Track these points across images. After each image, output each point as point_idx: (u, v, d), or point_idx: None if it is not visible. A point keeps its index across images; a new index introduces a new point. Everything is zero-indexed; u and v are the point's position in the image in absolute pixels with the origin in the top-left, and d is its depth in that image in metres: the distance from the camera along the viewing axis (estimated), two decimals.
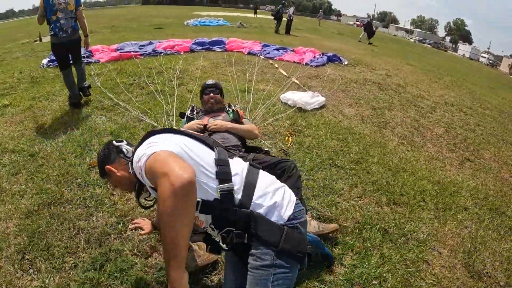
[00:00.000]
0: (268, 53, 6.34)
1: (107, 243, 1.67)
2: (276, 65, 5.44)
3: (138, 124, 2.99)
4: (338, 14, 77.25)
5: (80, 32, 3.37)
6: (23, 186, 2.22)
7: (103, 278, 1.46)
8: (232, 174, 0.95)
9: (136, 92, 3.88)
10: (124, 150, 1.10)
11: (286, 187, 1.07)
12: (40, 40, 9.31)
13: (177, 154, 0.85)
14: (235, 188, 0.93)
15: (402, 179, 2.46)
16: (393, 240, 1.91)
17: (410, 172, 2.58)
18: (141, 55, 5.63)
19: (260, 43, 7.18)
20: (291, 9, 12.65)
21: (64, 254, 1.62)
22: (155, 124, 2.96)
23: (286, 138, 2.81)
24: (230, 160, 1.01)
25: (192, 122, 2.00)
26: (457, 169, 2.90)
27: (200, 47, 6.43)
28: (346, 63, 6.34)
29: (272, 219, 0.93)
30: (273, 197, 0.97)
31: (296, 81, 4.51)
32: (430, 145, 3.26)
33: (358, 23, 49.45)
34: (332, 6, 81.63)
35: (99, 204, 1.97)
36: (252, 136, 2.11)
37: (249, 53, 6.24)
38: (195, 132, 1.10)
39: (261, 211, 0.93)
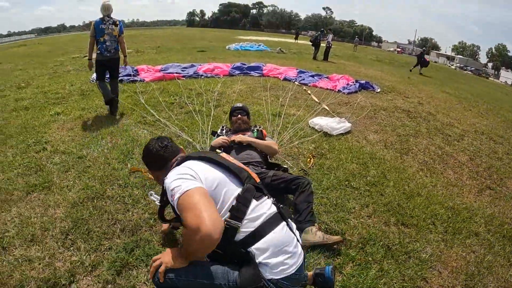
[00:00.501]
0: (303, 79, 6.63)
1: (139, 234, 1.96)
2: (309, 91, 5.70)
3: (176, 139, 3.33)
4: (379, 40, 78.04)
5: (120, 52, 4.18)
6: (71, 182, 2.63)
7: (131, 259, 1.74)
8: (254, 215, 1.06)
9: (176, 110, 4.33)
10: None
11: (294, 256, 1.10)
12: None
13: (207, 194, 1.01)
14: (241, 229, 1.04)
15: (414, 202, 2.52)
16: (394, 256, 1.99)
17: (424, 197, 2.62)
18: (183, 76, 6.12)
19: (296, 69, 7.47)
20: (330, 36, 13.01)
21: (101, 238, 1.95)
22: (191, 140, 3.30)
23: (308, 159, 2.98)
24: (256, 201, 1.10)
25: (219, 138, 2.39)
26: (475, 196, 2.87)
27: (239, 72, 6.84)
28: (378, 90, 6.47)
29: (260, 269, 1.04)
30: (271, 257, 1.04)
31: (326, 107, 4.73)
32: (450, 172, 3.28)
33: (399, 49, 49.80)
34: (373, 33, 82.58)
35: (135, 202, 2.28)
36: (272, 151, 2.42)
37: (284, 79, 6.54)
38: (230, 161, 1.22)
39: (256, 258, 1.05)
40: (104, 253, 1.80)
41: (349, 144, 3.51)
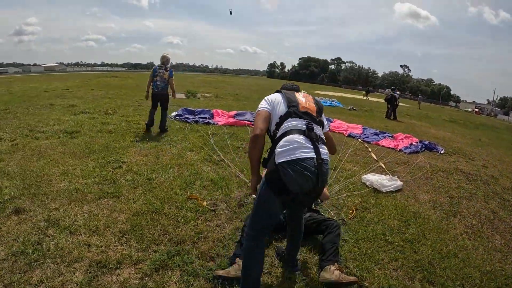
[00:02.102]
0: (367, 136, 7.82)
1: (182, 245, 2.62)
2: (370, 149, 6.70)
3: (234, 179, 4.19)
4: (457, 100, 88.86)
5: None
6: (137, 196, 3.43)
7: (170, 263, 2.38)
8: (286, 125, 1.98)
9: (241, 154, 5.42)
10: None
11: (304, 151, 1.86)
12: (174, 96, 13.29)
13: (266, 113, 2.06)
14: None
15: (448, 263, 2.75)
16: None
17: (460, 259, 2.85)
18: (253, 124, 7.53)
19: (362, 126, 8.87)
20: (397, 94, 14.95)
21: (151, 242, 2.56)
22: (247, 181, 4.10)
23: (351, 211, 3.53)
24: (292, 119, 2.01)
25: None
26: None
27: None
28: (442, 151, 7.37)
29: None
30: (283, 147, 1.88)
31: (383, 165, 5.53)
32: (498, 237, 3.48)
33: (476, 110, 55.64)
34: (451, 92, 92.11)
35: (186, 222, 2.97)
36: (324, 196, 3.03)
37: (349, 135, 7.82)
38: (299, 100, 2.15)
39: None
40: (150, 254, 2.45)
41: (396, 201, 4.03)
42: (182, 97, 14.68)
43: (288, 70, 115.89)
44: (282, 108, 2.04)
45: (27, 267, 2.22)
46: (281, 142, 1.88)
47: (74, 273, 2.18)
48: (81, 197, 3.36)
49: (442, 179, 5.31)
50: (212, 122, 7.48)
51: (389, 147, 7.06)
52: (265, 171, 2.00)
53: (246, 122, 7.63)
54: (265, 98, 2.15)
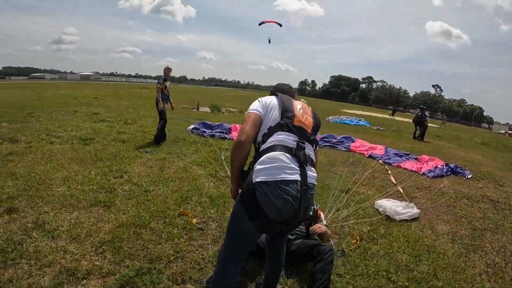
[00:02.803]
0: (389, 158, 7.95)
1: (156, 264, 2.71)
2: (389, 172, 6.70)
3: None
4: (490, 121, 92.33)
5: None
6: (128, 208, 3.65)
7: (137, 281, 2.47)
8: (273, 139, 1.91)
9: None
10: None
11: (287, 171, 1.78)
12: (198, 109, 14.37)
13: (257, 116, 1.99)
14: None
15: None
16: None
17: None
18: None
19: (385, 147, 9.01)
20: (425, 114, 15.30)
21: (126, 257, 2.71)
22: None
23: (354, 241, 3.45)
24: (282, 132, 1.92)
25: None
26: None
27: (326, 144, 8.69)
28: (469, 176, 7.30)
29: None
30: (262, 165, 1.81)
31: (401, 189, 5.51)
32: None
33: (510, 132, 56.59)
34: (484, 113, 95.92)
35: (169, 239, 3.10)
36: (326, 239, 3.01)
37: (370, 156, 7.96)
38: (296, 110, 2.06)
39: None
40: (121, 268, 2.59)
41: (409, 232, 3.92)
42: (207, 111, 15.58)
43: (319, 88, 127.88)
44: (274, 116, 1.95)
45: (2, 264, 2.48)
46: (263, 158, 1.79)
47: (43, 277, 2.38)
48: (73, 203, 3.64)
49: (466, 207, 5.18)
50: (228, 137, 7.94)
51: (411, 170, 7.06)
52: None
53: None
54: (259, 99, 2.07)
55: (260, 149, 1.89)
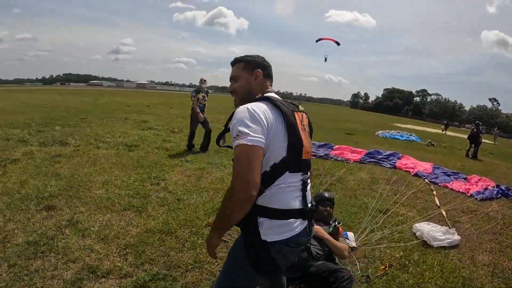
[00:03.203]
0: (436, 177, 7.72)
1: (172, 271, 2.83)
2: (434, 192, 6.48)
3: None
4: None
5: None
6: (159, 214, 3.87)
7: (151, 285, 2.61)
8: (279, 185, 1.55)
9: None
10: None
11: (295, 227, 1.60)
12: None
13: (262, 151, 1.43)
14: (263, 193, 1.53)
15: None
16: None
17: None
18: (314, 155, 8.17)
19: (432, 165, 8.81)
20: (480, 130, 14.79)
21: (146, 261, 2.89)
22: None
23: (382, 267, 3.33)
24: (289, 173, 1.56)
25: None
26: None
27: (371, 159, 8.60)
28: None
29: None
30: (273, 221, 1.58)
31: (444, 212, 5.29)
32: None
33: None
34: None
35: (191, 248, 3.23)
36: (340, 255, 3.04)
37: (415, 174, 7.77)
38: (301, 134, 1.61)
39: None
40: (139, 271, 2.73)
41: (446, 261, 3.72)
42: None
43: (371, 101, 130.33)
44: (279, 149, 1.53)
45: (33, 255, 2.79)
46: (273, 211, 1.55)
47: (66, 271, 2.62)
48: (108, 206, 3.97)
49: None
50: None
51: (458, 191, 6.81)
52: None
53: None
54: (258, 114, 1.47)
55: (262, 197, 1.52)
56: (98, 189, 4.53)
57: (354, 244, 3.54)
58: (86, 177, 4.98)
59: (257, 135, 1.42)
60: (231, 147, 1.50)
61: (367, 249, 3.67)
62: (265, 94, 1.67)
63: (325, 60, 32.07)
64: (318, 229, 3.06)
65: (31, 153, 6.21)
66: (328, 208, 3.45)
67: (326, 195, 3.63)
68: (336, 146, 9.56)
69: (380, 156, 8.93)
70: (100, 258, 2.84)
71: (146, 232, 3.40)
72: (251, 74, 1.71)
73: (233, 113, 1.52)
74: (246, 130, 1.41)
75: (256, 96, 1.65)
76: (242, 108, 1.48)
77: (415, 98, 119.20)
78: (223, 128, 1.68)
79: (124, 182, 4.88)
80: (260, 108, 1.49)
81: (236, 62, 1.76)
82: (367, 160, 8.60)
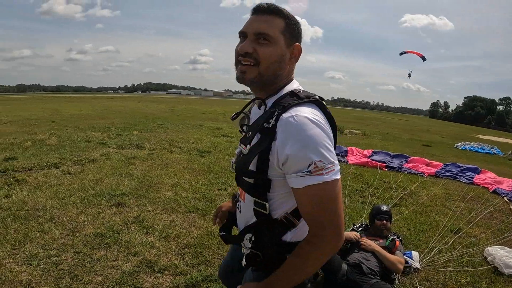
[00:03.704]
0: None
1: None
2: None
3: None
4: None
5: None
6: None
7: (202, 285, 2.76)
8: None
9: (355, 198, 5.60)
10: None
11: None
12: None
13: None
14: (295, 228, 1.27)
15: None
16: None
17: None
18: (386, 167, 8.22)
19: None
20: None
21: (202, 262, 3.09)
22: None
23: None
24: None
25: (352, 232, 3.38)
26: None
27: (447, 174, 8.20)
28: None
29: None
30: None
31: None
32: None
33: None
34: None
35: (216, 259, 3.23)
36: (393, 268, 3.01)
37: (494, 192, 7.22)
38: None
39: None
40: (193, 271, 2.93)
41: None
42: None
43: (451, 110, 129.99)
44: None
45: (98, 246, 3.15)
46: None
47: (126, 263, 2.90)
48: (174, 207, 4.27)
49: None
50: (343, 160, 8.38)
51: None
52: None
53: (379, 163, 8.23)
54: (328, 129, 1.14)
55: (293, 232, 1.27)
56: (167, 190, 4.88)
57: (417, 265, 3.44)
58: (157, 179, 5.41)
59: (337, 170, 1.10)
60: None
61: (431, 271, 3.49)
62: (294, 87, 1.27)
63: (409, 76, 31.80)
64: (368, 242, 3.11)
65: (108, 154, 6.96)
66: (385, 222, 3.46)
67: (383, 208, 3.63)
68: (411, 158, 9.31)
69: (456, 170, 8.50)
70: (159, 254, 3.08)
71: (207, 234, 3.58)
72: (288, 46, 1.22)
73: (247, 105, 1.27)
74: (330, 158, 1.07)
75: (281, 85, 1.26)
76: (304, 120, 1.07)
77: (498, 107, 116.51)
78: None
79: (193, 186, 5.18)
80: (322, 118, 1.15)
81: (271, 12, 1.20)
82: (443, 174, 8.21)
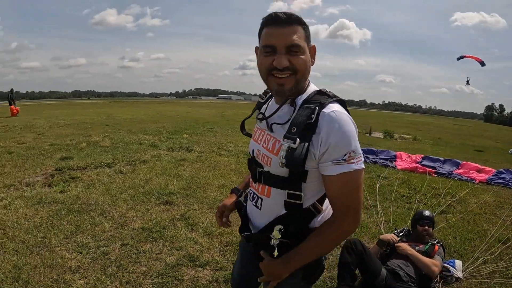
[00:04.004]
0: None
1: None
2: None
3: (373, 227, 4.38)
4: None
5: None
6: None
7: None
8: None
9: (401, 204, 5.47)
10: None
11: None
12: (370, 134, 16.17)
13: None
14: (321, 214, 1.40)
15: None
16: None
17: None
18: (436, 173, 8.04)
19: None
20: None
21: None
22: (383, 232, 4.10)
23: None
24: None
25: (390, 235, 3.39)
26: None
27: (499, 181, 7.82)
28: None
29: None
30: None
31: None
32: None
33: None
34: None
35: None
36: (427, 271, 2.97)
37: None
38: None
39: None
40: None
41: None
42: (379, 136, 16.22)
43: (508, 114, 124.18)
44: None
45: (144, 239, 3.34)
46: None
47: (169, 256, 3.06)
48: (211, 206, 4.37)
49: None
50: (391, 165, 8.32)
51: None
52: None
53: (428, 169, 8.07)
54: (357, 136, 1.26)
55: (321, 217, 1.39)
56: (214, 191, 5.02)
57: (460, 275, 3.34)
58: (204, 180, 5.58)
59: (363, 160, 1.27)
60: (250, 135, 1.51)
61: (473, 282, 3.35)
62: (315, 87, 1.38)
63: (467, 83, 30.75)
64: (403, 245, 3.11)
65: (159, 156, 7.29)
66: (427, 227, 3.40)
67: (425, 213, 3.59)
68: (463, 163, 9.01)
69: (509, 177, 8.01)
70: (202, 250, 3.19)
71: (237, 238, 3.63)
72: (309, 48, 1.31)
73: (282, 104, 1.31)
74: (359, 150, 1.23)
75: (306, 84, 1.35)
76: (343, 116, 1.22)
77: None
78: (250, 114, 1.52)
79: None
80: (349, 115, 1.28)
81: (292, 21, 1.24)
82: (495, 181, 7.77)
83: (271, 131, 1.34)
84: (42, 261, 2.92)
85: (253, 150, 1.46)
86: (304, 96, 1.31)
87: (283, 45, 1.22)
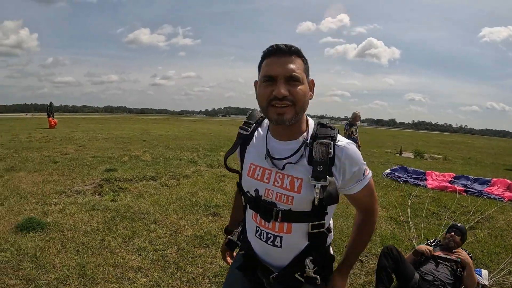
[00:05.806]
0: None
1: None
2: None
3: (406, 241, 4.69)
4: None
5: None
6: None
7: None
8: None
9: (432, 220, 5.75)
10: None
11: None
12: (400, 154, 16.75)
13: None
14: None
15: None
16: None
17: None
18: (466, 191, 8.34)
19: None
20: None
21: None
22: (415, 245, 4.44)
23: None
24: None
25: (425, 246, 3.58)
26: None
27: None
28: None
29: None
30: None
31: None
32: None
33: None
34: None
35: None
36: (471, 284, 3.18)
37: None
38: None
39: None
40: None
41: None
42: (409, 156, 16.63)
43: None
44: None
45: (198, 245, 3.78)
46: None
47: (213, 264, 3.44)
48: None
49: None
50: (422, 184, 8.78)
51: None
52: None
53: (457, 188, 8.39)
54: None
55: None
56: None
57: (486, 282, 3.58)
58: None
59: None
60: (237, 172, 1.63)
61: None
62: (311, 121, 1.49)
63: None
64: (464, 253, 3.35)
65: (199, 172, 7.81)
66: (453, 234, 3.65)
67: (457, 223, 3.95)
68: (493, 180, 9.26)
69: None
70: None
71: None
72: (308, 82, 1.42)
73: (300, 148, 1.42)
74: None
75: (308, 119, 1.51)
76: (352, 145, 1.42)
77: None
78: (233, 149, 1.62)
79: None
80: None
81: (292, 53, 1.36)
82: None
83: (282, 169, 1.40)
84: (105, 260, 3.35)
85: (256, 189, 1.47)
86: (310, 131, 1.43)
87: (282, 74, 1.30)
